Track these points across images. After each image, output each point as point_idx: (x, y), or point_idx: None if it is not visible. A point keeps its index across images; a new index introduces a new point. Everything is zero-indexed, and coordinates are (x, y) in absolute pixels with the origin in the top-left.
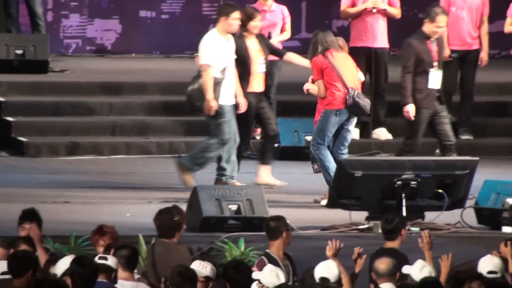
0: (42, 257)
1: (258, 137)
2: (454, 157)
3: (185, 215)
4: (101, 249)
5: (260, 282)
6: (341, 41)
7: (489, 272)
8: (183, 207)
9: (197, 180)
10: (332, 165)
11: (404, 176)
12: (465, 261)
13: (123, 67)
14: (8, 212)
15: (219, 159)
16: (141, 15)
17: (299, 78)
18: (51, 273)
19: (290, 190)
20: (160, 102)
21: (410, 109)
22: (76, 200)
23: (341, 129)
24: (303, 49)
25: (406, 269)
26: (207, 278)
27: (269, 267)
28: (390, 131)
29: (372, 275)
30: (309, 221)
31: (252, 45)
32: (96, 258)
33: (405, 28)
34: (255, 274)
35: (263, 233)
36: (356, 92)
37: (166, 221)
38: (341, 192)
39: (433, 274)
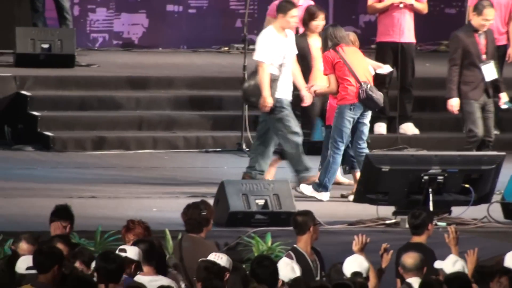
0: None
1: None
2: (480, 152)
3: (213, 210)
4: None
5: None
6: (352, 35)
7: None
8: (210, 201)
9: (225, 174)
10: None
11: (431, 171)
12: (492, 256)
13: (149, 62)
14: (35, 207)
15: (255, 152)
16: (168, 9)
17: None
18: (76, 267)
19: None
20: (187, 97)
21: (454, 103)
22: (103, 195)
23: (357, 124)
24: None
25: (438, 264)
26: (223, 269)
27: (284, 260)
28: (417, 125)
29: (399, 270)
30: (336, 216)
31: (315, 43)
32: (117, 251)
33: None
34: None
35: (290, 228)
36: (368, 86)
37: (194, 216)
38: (368, 187)
39: (466, 269)
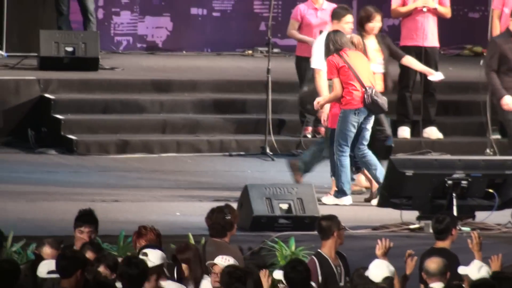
0: None
1: (309, 136)
2: (504, 157)
3: (237, 214)
4: None
5: (283, 282)
6: (356, 38)
7: None
8: (234, 206)
9: (248, 178)
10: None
11: (455, 176)
12: None
13: (173, 65)
14: (58, 211)
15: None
16: (192, 13)
17: None
18: (100, 272)
19: None
20: (211, 100)
21: (508, 101)
22: (126, 198)
23: (360, 129)
24: None
25: (462, 270)
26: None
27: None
28: (440, 130)
29: (423, 275)
30: (360, 220)
31: (371, 44)
32: (140, 255)
33: (455, 27)
34: (276, 273)
35: (314, 232)
36: (373, 91)
37: (218, 220)
38: (392, 191)
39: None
